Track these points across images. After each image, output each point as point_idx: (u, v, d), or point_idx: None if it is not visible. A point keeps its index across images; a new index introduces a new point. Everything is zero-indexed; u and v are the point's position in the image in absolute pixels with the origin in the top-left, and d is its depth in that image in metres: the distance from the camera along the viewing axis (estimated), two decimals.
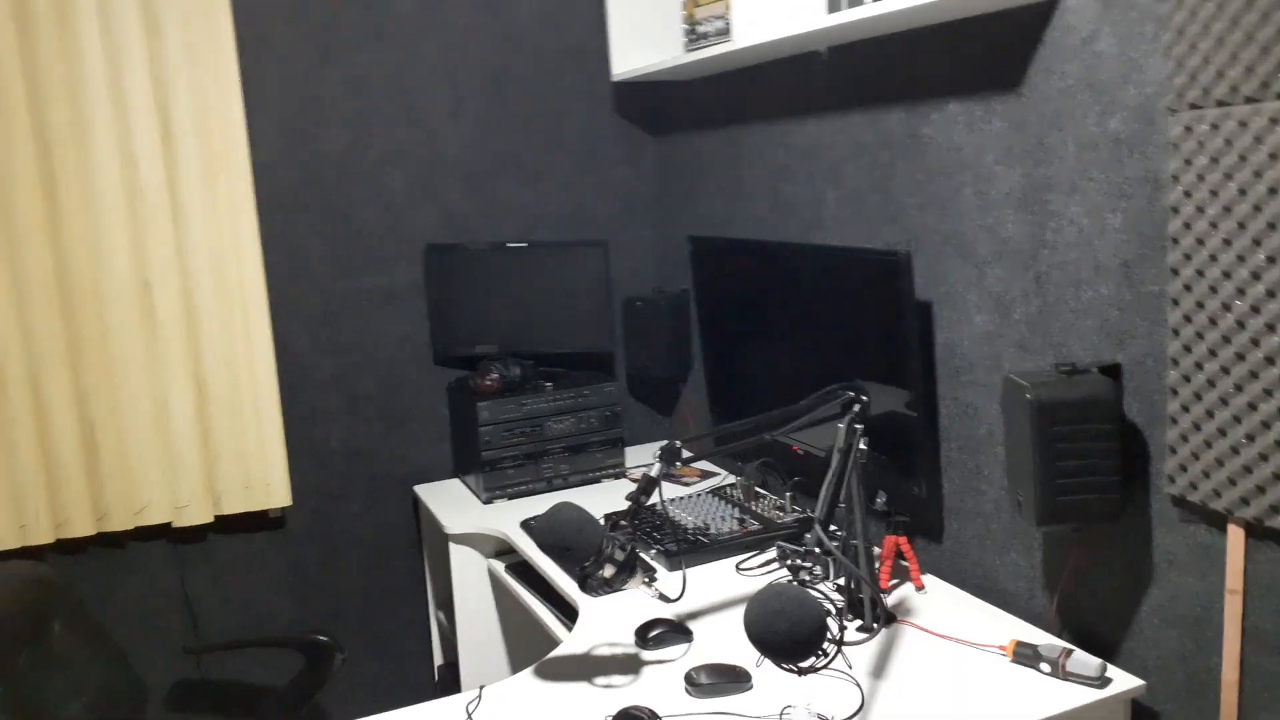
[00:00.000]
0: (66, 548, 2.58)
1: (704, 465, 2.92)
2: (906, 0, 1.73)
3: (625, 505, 1.73)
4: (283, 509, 2.77)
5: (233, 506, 2.67)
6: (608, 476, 2.83)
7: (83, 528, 2.51)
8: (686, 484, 2.76)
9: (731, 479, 2.73)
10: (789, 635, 1.17)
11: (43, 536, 2.47)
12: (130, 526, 2.57)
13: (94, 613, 2.27)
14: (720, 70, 2.67)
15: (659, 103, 3.07)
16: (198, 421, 2.58)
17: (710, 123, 2.81)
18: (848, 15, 1.89)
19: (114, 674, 2.23)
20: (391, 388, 2.90)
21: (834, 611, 1.23)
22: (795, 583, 1.54)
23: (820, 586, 1.71)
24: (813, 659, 1.20)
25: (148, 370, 2.53)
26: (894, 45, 2.07)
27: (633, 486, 1.70)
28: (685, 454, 1.73)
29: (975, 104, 1.88)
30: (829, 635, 1.19)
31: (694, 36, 2.52)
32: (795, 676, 1.64)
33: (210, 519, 2.62)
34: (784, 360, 2.38)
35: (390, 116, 2.80)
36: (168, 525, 2.63)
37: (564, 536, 1.58)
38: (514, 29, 2.90)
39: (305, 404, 2.79)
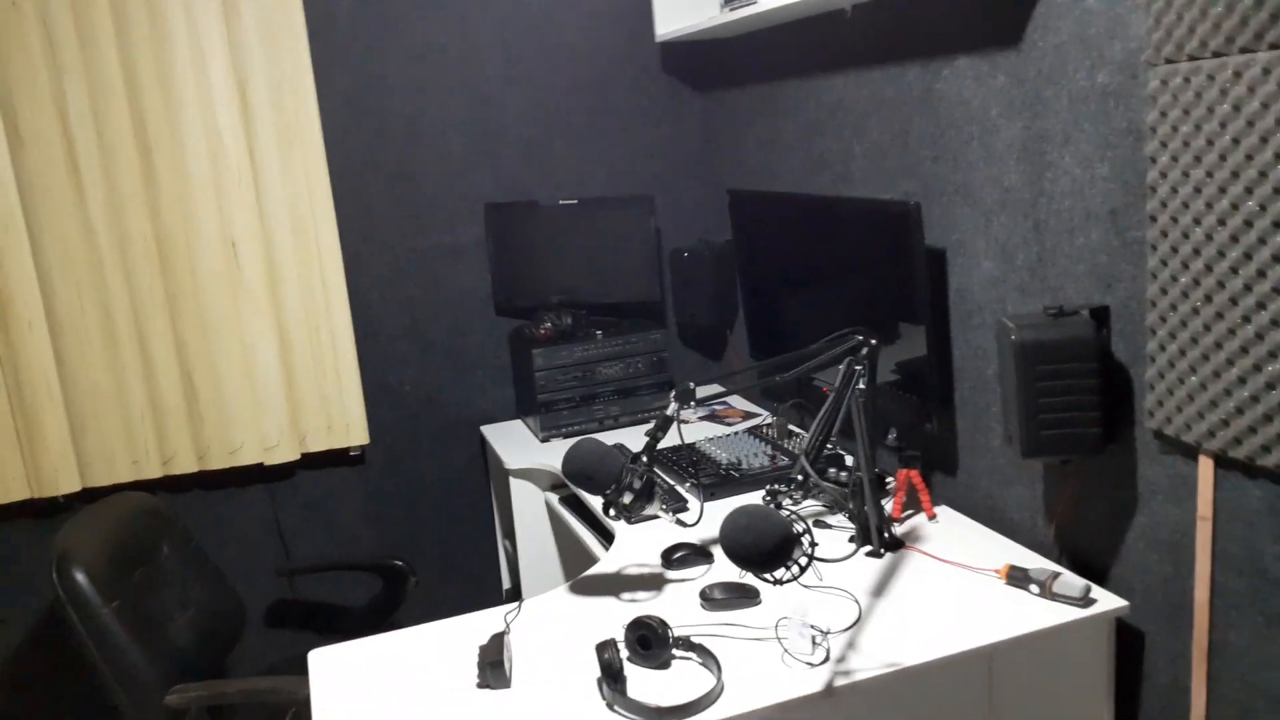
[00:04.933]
0: (173, 484, 2.90)
1: (747, 407, 3.08)
2: None
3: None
4: (361, 447, 3.05)
5: (317, 445, 2.95)
6: (655, 417, 2.99)
7: (186, 464, 2.83)
8: (729, 424, 2.92)
9: (771, 419, 2.88)
10: (755, 547, 1.34)
11: (152, 471, 2.80)
12: (226, 466, 2.88)
13: (196, 538, 2.57)
14: (757, 28, 2.77)
15: (703, 61, 3.18)
16: (282, 369, 2.85)
17: (750, 79, 2.92)
18: None
19: (214, 592, 2.53)
20: (458, 337, 3.13)
21: (803, 529, 1.38)
22: (772, 504, 1.70)
23: (797, 507, 1.84)
24: (783, 570, 1.36)
25: (237, 323, 2.80)
26: (911, 3, 2.15)
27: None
28: (700, 393, 1.90)
29: (981, 59, 1.96)
30: (800, 548, 1.35)
31: None
32: (802, 593, 1.83)
33: (297, 457, 2.92)
34: (815, 305, 2.51)
35: (448, 85, 2.99)
36: (260, 464, 2.92)
37: (585, 466, 1.78)
38: None
39: (379, 352, 3.05)
